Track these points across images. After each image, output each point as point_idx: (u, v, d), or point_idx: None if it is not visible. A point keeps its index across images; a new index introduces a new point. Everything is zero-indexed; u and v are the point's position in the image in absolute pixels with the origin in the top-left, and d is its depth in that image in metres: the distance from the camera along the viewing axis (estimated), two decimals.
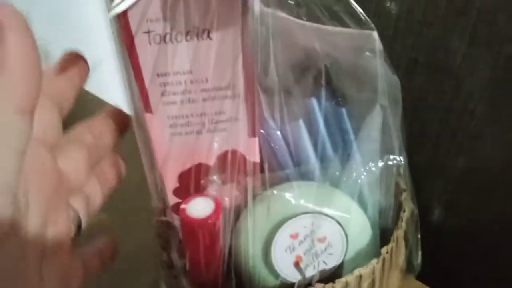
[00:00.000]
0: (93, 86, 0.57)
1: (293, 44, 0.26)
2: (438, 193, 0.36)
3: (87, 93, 0.54)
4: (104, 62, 0.66)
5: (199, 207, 0.22)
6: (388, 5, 0.33)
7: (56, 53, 0.61)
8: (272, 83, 0.25)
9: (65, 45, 0.61)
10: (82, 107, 0.54)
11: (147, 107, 0.23)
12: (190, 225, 0.22)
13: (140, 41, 0.20)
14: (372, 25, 0.22)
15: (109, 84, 0.60)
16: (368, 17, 0.33)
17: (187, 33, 0.20)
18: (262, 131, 0.27)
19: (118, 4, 0.18)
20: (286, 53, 0.27)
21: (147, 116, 0.23)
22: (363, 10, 0.32)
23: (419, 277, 0.33)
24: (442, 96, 0.31)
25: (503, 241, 0.34)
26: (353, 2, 0.21)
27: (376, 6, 0.32)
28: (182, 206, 0.22)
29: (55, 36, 0.56)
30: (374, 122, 0.24)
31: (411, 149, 0.35)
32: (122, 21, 0.20)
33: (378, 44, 0.22)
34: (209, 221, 0.22)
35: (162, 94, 0.22)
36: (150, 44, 0.20)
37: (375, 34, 0.22)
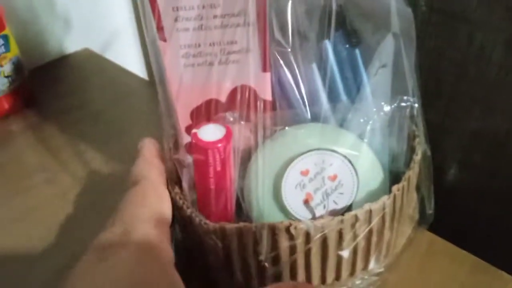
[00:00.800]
0: (112, 54, 0.58)
1: None
2: (452, 150, 0.35)
3: (107, 61, 0.55)
4: (122, 32, 0.67)
5: (210, 132, 0.22)
6: None
7: (76, 22, 0.62)
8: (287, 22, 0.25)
9: (86, 14, 0.61)
10: (102, 74, 0.55)
11: (161, 33, 0.23)
12: (200, 148, 0.22)
13: None
14: None
15: (127, 53, 0.61)
16: None
17: None
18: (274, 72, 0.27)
19: None
20: None
21: (161, 44, 0.24)
22: None
23: (432, 231, 0.32)
24: (457, 44, 0.31)
25: None
26: None
27: None
28: (194, 130, 0.23)
29: (75, 4, 0.57)
30: (387, 50, 0.24)
31: (427, 104, 0.34)
32: None
33: None
34: (219, 145, 0.22)
35: (176, 20, 0.23)
36: None
37: None
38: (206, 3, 0.22)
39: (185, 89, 0.25)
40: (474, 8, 0.29)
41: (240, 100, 0.26)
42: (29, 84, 0.49)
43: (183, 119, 0.27)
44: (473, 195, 0.36)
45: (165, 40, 0.23)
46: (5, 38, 0.44)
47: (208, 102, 0.26)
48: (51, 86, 0.50)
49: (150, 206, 0.23)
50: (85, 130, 0.42)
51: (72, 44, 0.57)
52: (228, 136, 0.23)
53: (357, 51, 0.28)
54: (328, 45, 0.28)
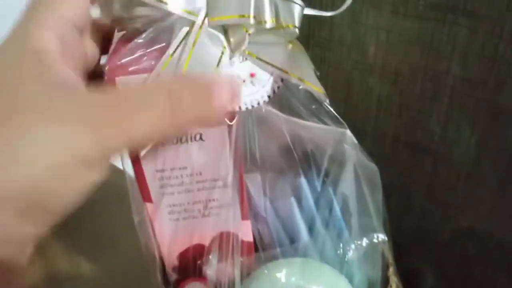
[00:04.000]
0: None
1: (280, 131, 0.29)
2: (427, 259, 0.37)
3: None
4: None
5: None
6: (370, 84, 0.36)
7: None
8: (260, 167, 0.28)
9: None
10: None
11: (148, 198, 0.25)
12: None
13: None
14: (345, 124, 0.25)
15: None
16: (353, 99, 0.36)
17: (181, 137, 0.23)
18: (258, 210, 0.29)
19: None
20: (274, 138, 0.30)
21: (148, 205, 0.26)
22: (347, 93, 0.35)
23: None
24: (424, 172, 0.33)
25: None
26: (327, 105, 0.24)
27: (359, 89, 0.35)
28: None
29: None
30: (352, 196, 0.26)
31: (399, 217, 0.37)
32: None
33: (352, 140, 0.25)
34: None
35: (161, 187, 0.25)
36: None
37: (348, 132, 0.25)
38: (190, 173, 0.24)
39: (171, 238, 0.27)
40: (436, 143, 0.32)
41: (223, 244, 0.27)
42: None
43: (170, 262, 0.28)
44: None
45: (151, 202, 0.25)
46: None
47: (195, 247, 0.28)
48: None
49: (57, 10, 0.20)
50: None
51: None
52: None
53: (330, 190, 0.30)
54: (304, 183, 0.30)
